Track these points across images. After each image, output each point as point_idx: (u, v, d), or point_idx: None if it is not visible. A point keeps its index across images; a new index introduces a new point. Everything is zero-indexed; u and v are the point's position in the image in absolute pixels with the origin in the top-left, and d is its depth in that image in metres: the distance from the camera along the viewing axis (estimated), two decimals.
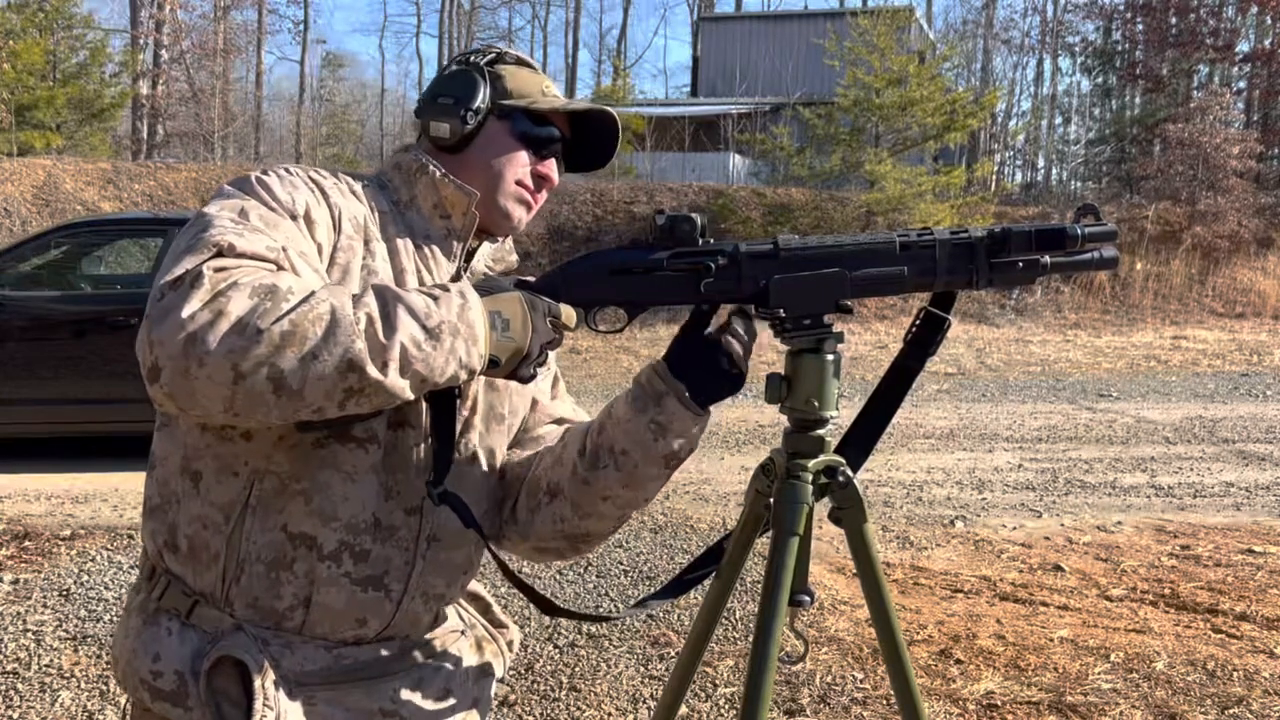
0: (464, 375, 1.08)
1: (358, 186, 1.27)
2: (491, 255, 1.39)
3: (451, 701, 1.31)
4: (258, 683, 1.14)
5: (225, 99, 27.13)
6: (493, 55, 1.34)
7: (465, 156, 1.30)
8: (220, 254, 1.01)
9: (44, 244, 6.79)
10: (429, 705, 1.28)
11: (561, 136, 1.35)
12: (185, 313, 0.95)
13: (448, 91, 1.29)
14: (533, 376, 1.18)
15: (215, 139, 24.74)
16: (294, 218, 1.13)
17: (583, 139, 1.37)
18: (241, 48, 31.36)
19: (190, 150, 25.15)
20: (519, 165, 1.31)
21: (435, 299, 1.07)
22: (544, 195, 1.35)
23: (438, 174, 1.28)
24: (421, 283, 1.25)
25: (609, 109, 1.36)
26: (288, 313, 0.97)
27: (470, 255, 1.35)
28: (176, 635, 1.18)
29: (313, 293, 1.00)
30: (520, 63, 1.36)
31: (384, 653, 1.25)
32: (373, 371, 1.00)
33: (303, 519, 1.18)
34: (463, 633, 1.37)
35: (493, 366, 1.12)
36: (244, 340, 0.95)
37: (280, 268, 1.05)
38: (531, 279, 1.26)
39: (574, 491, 1.30)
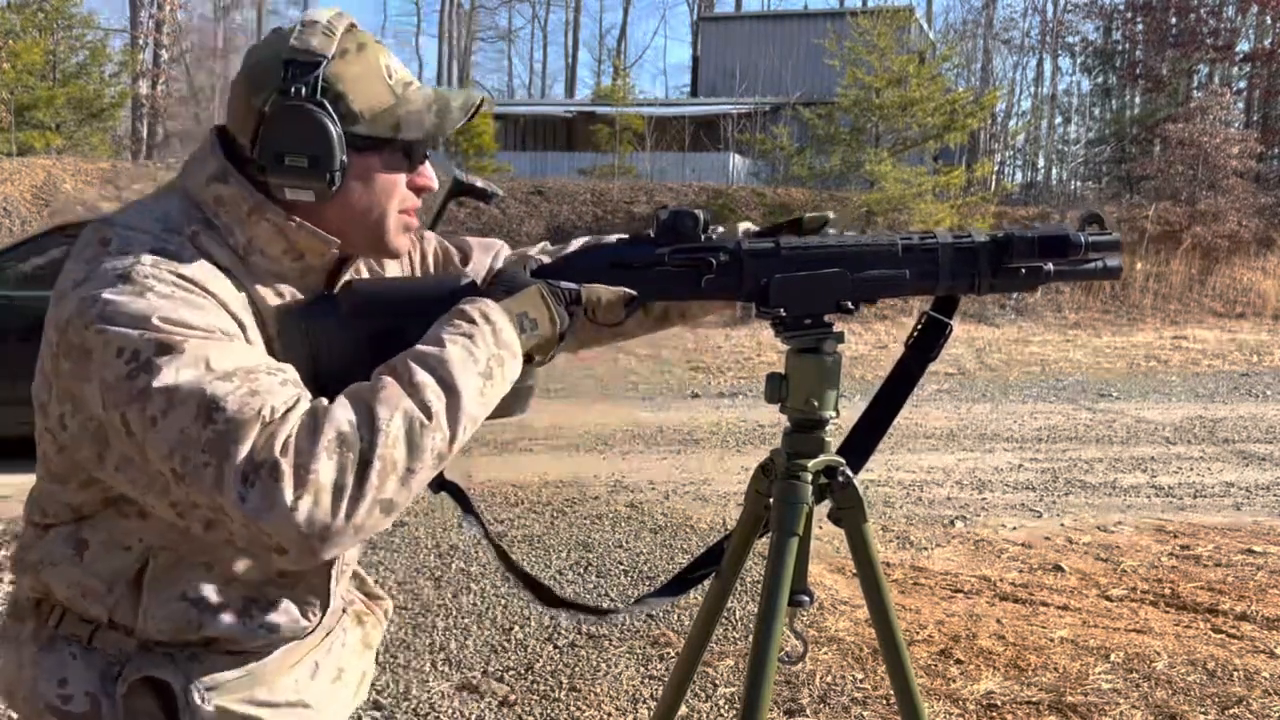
0: (510, 386, 1.13)
1: (196, 249, 1.10)
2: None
3: (345, 679, 1.33)
4: (181, 700, 1.14)
5: (225, 99, 27.11)
6: (304, 53, 1.11)
7: (329, 205, 1.14)
8: (264, 425, 0.98)
9: (44, 244, 6.80)
10: (327, 687, 1.29)
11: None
12: (286, 504, 0.96)
13: (296, 149, 1.09)
14: (554, 356, 1.23)
15: None
16: (230, 335, 1.07)
17: None
18: (241, 48, 31.35)
19: (190, 150, 25.13)
20: (399, 196, 1.18)
21: (471, 338, 1.08)
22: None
23: (290, 224, 1.13)
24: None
25: (473, 96, 1.22)
26: (370, 454, 0.98)
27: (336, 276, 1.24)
28: (81, 659, 1.15)
29: (374, 414, 1.00)
30: (343, 48, 1.13)
31: (285, 647, 1.25)
32: (457, 445, 1.04)
33: (207, 589, 1.15)
34: (344, 610, 1.37)
35: (526, 363, 1.15)
36: (349, 503, 0.98)
37: (279, 403, 1.01)
38: (544, 258, 1.25)
39: (635, 330, 1.41)
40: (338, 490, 0.97)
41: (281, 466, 0.96)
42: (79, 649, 1.15)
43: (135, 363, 1.00)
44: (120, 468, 1.06)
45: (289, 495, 0.96)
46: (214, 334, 1.04)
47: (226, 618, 1.16)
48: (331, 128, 1.10)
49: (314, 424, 0.99)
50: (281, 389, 1.02)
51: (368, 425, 0.99)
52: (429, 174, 1.22)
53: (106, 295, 1.03)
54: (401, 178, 1.19)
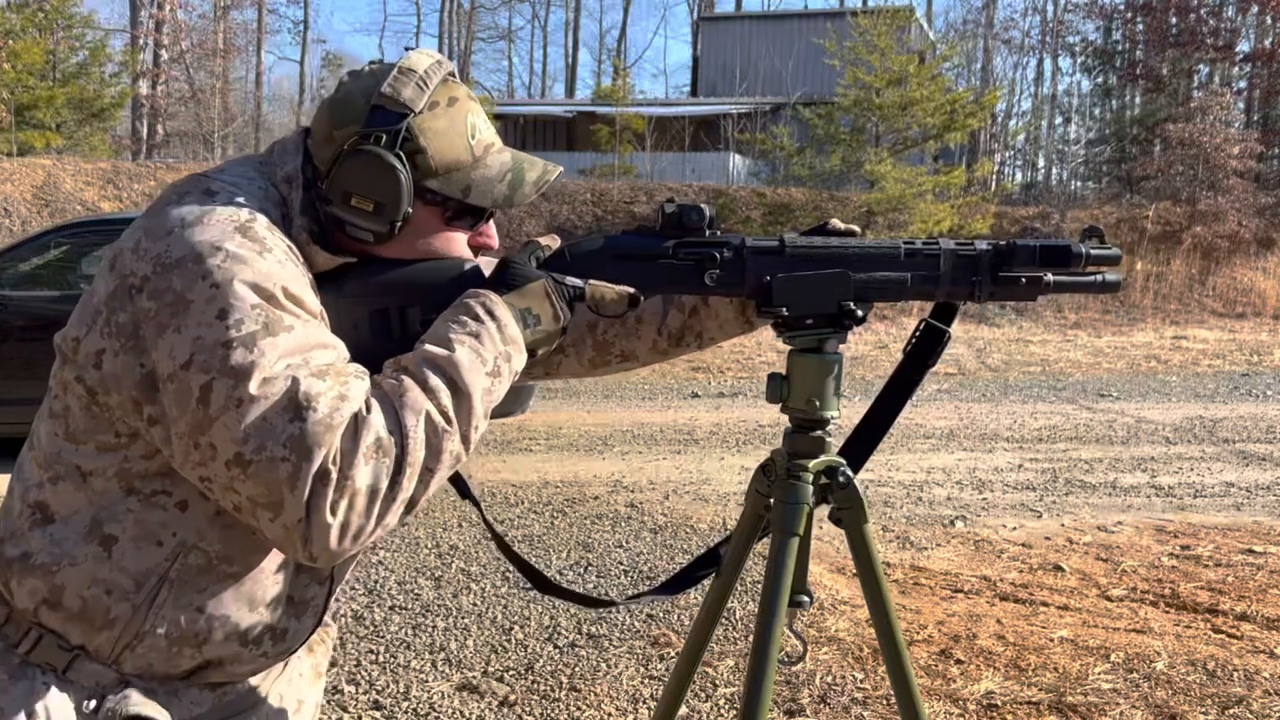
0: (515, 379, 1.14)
1: (278, 233, 1.10)
2: None
3: (304, 710, 1.34)
4: None
5: (225, 99, 27.11)
6: (393, 101, 1.11)
7: (385, 245, 1.16)
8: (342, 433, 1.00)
9: (44, 244, 6.79)
10: (291, 717, 1.30)
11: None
12: (327, 507, 0.97)
13: (364, 192, 1.11)
14: (553, 349, 1.24)
15: (215, 139, 24.72)
16: (326, 318, 1.09)
17: None
18: (241, 48, 31.36)
19: (190, 150, 25.14)
20: (456, 252, 1.21)
21: (477, 337, 1.08)
22: None
23: (320, 257, 1.14)
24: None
25: (549, 171, 1.23)
26: (402, 460, 1.00)
27: None
28: (55, 688, 1.09)
29: (402, 420, 1.01)
30: (433, 101, 1.14)
31: (256, 681, 1.24)
32: (471, 445, 1.06)
33: (229, 603, 1.12)
34: None
35: (529, 357, 1.15)
36: (382, 505, 1.00)
37: (359, 406, 1.02)
38: (551, 246, 1.25)
39: (648, 357, 1.43)
40: (372, 494, 0.99)
41: (331, 475, 0.97)
42: (53, 679, 1.10)
43: (238, 333, 0.98)
44: (158, 421, 1.02)
45: (330, 498, 0.97)
46: (316, 316, 1.06)
47: (235, 642, 1.14)
48: (403, 179, 1.11)
49: (356, 430, 0.99)
50: (362, 397, 1.02)
51: (399, 431, 1.00)
52: (491, 233, 1.24)
53: (230, 247, 1.01)
54: (463, 236, 1.21)
